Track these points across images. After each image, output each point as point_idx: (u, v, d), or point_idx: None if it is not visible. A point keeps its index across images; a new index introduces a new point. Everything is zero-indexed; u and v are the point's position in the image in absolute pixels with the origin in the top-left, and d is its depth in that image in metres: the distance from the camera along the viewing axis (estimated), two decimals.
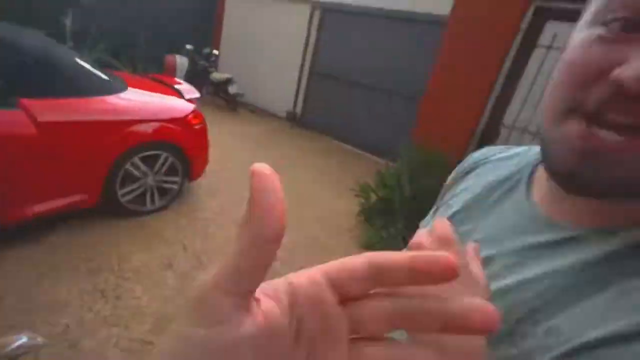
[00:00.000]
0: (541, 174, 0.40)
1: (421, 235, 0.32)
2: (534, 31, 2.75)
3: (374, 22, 5.17)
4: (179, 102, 2.74)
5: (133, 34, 6.28)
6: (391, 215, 2.98)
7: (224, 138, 4.79)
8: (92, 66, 2.39)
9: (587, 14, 0.30)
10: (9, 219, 1.96)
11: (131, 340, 1.65)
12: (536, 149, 0.45)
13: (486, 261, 0.37)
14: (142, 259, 2.18)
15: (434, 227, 0.31)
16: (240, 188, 3.39)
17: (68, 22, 5.52)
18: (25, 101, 1.88)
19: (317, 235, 2.91)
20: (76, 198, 2.19)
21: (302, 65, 6.09)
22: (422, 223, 0.58)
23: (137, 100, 2.47)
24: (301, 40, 5.96)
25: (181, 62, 6.48)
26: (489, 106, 3.22)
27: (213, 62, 6.54)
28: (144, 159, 2.45)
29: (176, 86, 3.07)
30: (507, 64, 2.92)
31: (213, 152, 4.08)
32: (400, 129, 5.09)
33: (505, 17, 2.71)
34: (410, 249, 0.33)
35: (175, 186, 2.74)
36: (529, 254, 0.36)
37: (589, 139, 0.27)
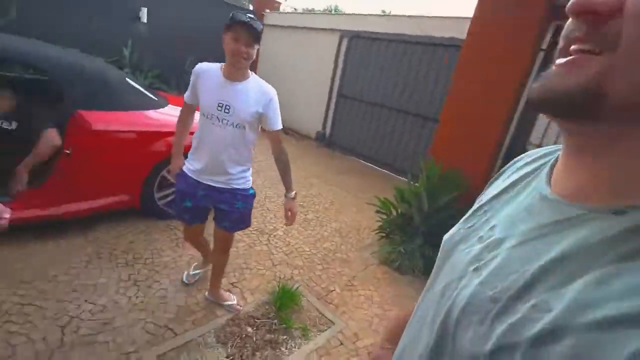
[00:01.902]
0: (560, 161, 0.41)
1: None
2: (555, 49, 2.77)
3: (394, 47, 5.40)
4: None
5: (182, 59, 7.00)
6: (410, 232, 3.00)
7: (255, 155, 5.08)
8: (141, 86, 2.76)
9: None
10: (67, 212, 2.28)
11: (156, 326, 1.82)
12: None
13: (497, 243, 0.40)
14: (172, 256, 2.39)
15: None
16: (264, 201, 3.59)
17: (127, 52, 6.30)
18: (83, 112, 2.22)
19: (337, 248, 2.99)
20: (120, 198, 2.49)
21: (331, 89, 6.38)
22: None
23: (175, 115, 2.77)
24: (330, 66, 6.29)
25: None
26: (514, 124, 3.21)
27: None
28: None
29: None
30: (530, 82, 2.94)
31: None
32: (418, 148, 5.20)
33: (526, 35, 2.76)
34: None
35: None
36: (533, 234, 0.37)
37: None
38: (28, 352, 1.55)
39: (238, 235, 2.76)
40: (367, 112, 5.90)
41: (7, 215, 0.91)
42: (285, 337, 1.94)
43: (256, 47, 1.50)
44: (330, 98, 6.45)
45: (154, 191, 2.65)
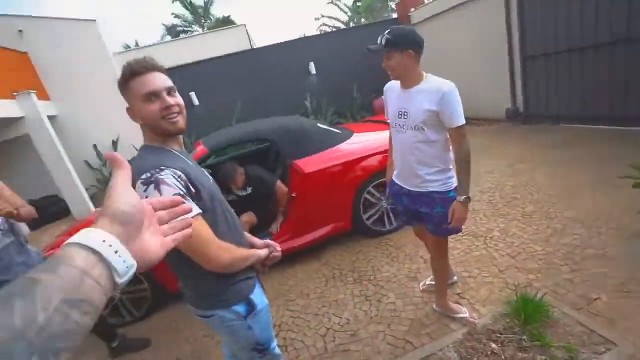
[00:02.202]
0: None
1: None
2: None
3: None
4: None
5: (349, 90, 7.75)
6: None
7: None
8: (328, 126, 3.18)
9: None
10: (304, 242, 2.84)
11: (395, 338, 1.91)
12: None
13: None
14: (391, 271, 2.51)
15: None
16: None
17: (308, 103, 7.57)
18: (296, 161, 2.75)
19: (584, 242, 2.32)
20: (337, 224, 2.88)
21: (511, 55, 5.36)
22: None
23: (361, 141, 3.02)
24: (501, 30, 5.33)
25: None
26: None
27: None
28: (377, 187, 2.90)
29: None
30: None
31: None
32: None
33: None
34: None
35: None
36: None
37: None
38: (305, 355, 1.95)
39: (450, 241, 2.60)
40: (571, 63, 4.57)
41: (280, 249, 1.21)
42: (544, 357, 1.60)
43: (395, 54, 1.52)
44: (512, 66, 5.42)
45: (361, 212, 2.91)
